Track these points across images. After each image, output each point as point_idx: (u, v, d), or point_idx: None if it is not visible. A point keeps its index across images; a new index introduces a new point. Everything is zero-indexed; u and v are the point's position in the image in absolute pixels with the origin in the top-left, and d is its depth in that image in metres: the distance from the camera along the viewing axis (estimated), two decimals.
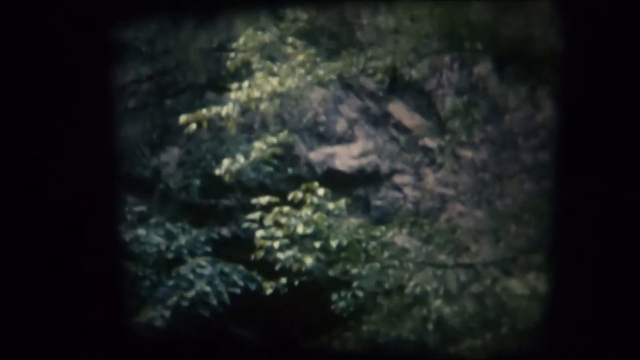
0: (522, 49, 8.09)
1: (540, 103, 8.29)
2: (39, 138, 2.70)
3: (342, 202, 10.24)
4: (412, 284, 9.64)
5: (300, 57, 9.79)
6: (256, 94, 10.04)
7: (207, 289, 11.47)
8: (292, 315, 11.07)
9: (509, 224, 9.02)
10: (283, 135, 10.60)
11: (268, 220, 10.02)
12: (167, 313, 11.08)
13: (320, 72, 9.62)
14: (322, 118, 11.56)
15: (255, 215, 10.16)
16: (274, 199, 10.16)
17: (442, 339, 9.18)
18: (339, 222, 10.36)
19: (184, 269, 11.47)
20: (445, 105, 10.57)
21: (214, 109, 10.29)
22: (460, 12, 8.17)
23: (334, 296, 10.11)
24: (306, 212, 10.11)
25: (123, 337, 2.92)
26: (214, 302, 11.43)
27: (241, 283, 11.52)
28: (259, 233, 10.05)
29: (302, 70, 9.78)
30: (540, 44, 7.92)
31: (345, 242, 10.11)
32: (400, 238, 10.12)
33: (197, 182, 12.10)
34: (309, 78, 9.76)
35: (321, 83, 9.81)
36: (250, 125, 11.26)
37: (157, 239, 11.77)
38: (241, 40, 10.12)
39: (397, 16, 8.80)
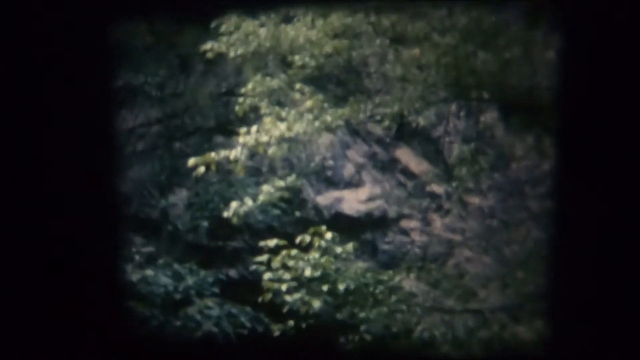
0: (528, 99, 8.15)
1: (546, 152, 8.34)
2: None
3: (350, 245, 10.26)
4: (419, 328, 9.63)
5: (309, 103, 9.87)
6: (264, 138, 10.09)
7: (215, 330, 11.47)
8: (300, 358, 11.04)
9: (517, 270, 9.02)
10: (291, 179, 10.65)
11: (276, 263, 10.04)
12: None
13: (328, 118, 9.69)
14: (330, 162, 11.63)
15: (263, 257, 10.18)
16: (282, 242, 10.18)
17: None
18: (346, 265, 10.38)
19: (191, 310, 11.48)
20: (453, 152, 10.62)
21: (223, 153, 10.34)
22: (467, 61, 8.25)
23: (342, 339, 10.09)
24: (314, 255, 10.13)
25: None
26: (222, 343, 11.42)
27: (249, 325, 11.51)
28: (267, 275, 10.06)
29: (310, 116, 9.85)
30: (545, 94, 7.97)
31: (352, 286, 10.11)
32: (408, 282, 10.12)
33: (205, 223, 12.14)
34: (316, 123, 9.83)
35: (329, 128, 9.88)
36: (259, 168, 11.33)
37: (164, 279, 11.79)
38: (250, 86, 10.21)
39: (405, 64, 8.89)
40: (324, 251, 10.15)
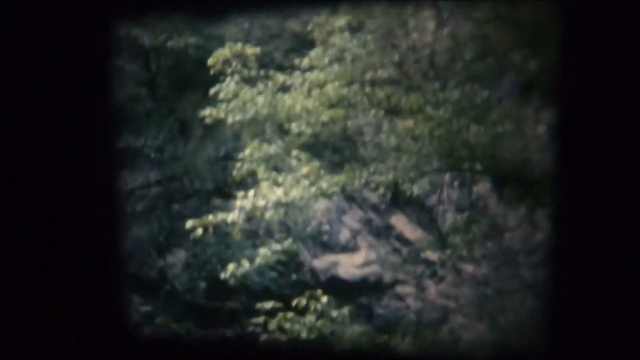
0: (520, 172, 8.28)
1: (539, 224, 8.45)
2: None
3: (346, 309, 10.30)
4: None
5: (305, 169, 10.01)
6: (261, 202, 10.22)
7: None
8: None
9: (511, 337, 9.05)
10: (288, 242, 10.73)
11: (272, 325, 10.08)
12: None
13: (324, 184, 9.82)
14: (326, 227, 11.73)
15: (260, 319, 10.23)
16: (278, 304, 10.23)
17: None
18: (342, 329, 10.41)
19: None
20: (446, 220, 10.73)
21: (220, 215, 10.46)
22: (460, 134, 8.40)
23: None
24: (310, 318, 10.18)
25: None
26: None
27: None
28: (263, 337, 10.11)
29: (306, 182, 9.99)
30: (537, 168, 8.11)
31: (348, 350, 10.13)
32: (403, 347, 10.14)
33: (203, 284, 12.21)
34: (313, 189, 9.96)
35: (325, 194, 10.01)
36: (256, 231, 11.43)
37: None
38: (247, 151, 10.36)
39: (399, 135, 9.04)
40: (320, 314, 10.20)
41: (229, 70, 10.21)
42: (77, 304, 2.78)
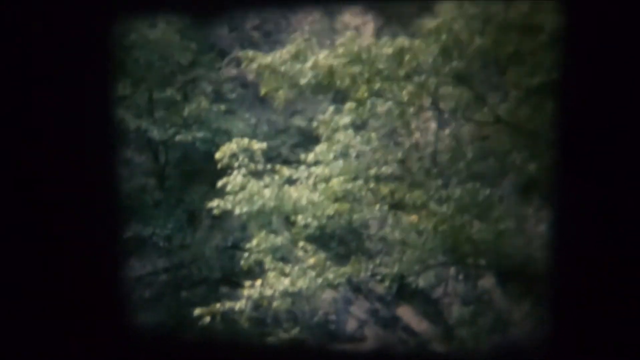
0: (523, 268, 8.39)
1: (542, 320, 8.46)
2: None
3: None
4: None
5: (311, 260, 10.13)
6: (268, 292, 10.32)
7: None
8: None
9: None
10: (295, 331, 10.80)
11: None
12: None
13: (331, 275, 9.93)
14: (333, 317, 11.79)
15: None
16: None
17: None
18: None
19: None
20: (452, 313, 10.79)
21: (228, 304, 10.54)
22: (463, 230, 8.53)
23: None
24: None
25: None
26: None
27: None
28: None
29: (313, 273, 10.10)
30: (540, 264, 8.20)
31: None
32: None
33: None
34: (319, 280, 10.07)
35: (331, 285, 10.10)
36: (263, 319, 11.48)
37: None
38: (254, 242, 10.50)
39: (404, 229, 9.18)
40: None
41: (236, 164, 10.43)
42: (78, 305, 2.80)
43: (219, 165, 10.51)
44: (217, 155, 10.52)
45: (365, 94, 8.68)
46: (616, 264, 2.21)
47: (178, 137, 11.68)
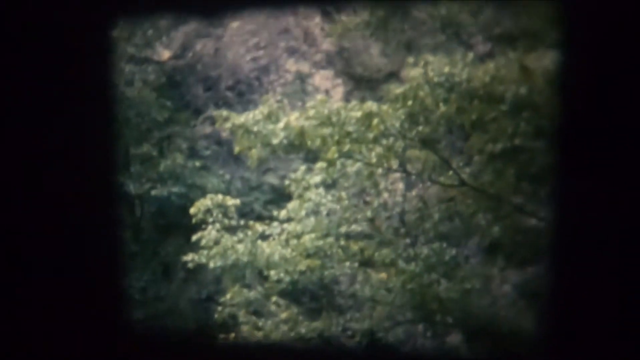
0: (489, 327, 8.57)
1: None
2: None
3: None
4: None
5: (284, 315, 10.28)
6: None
7: None
8: None
9: None
10: None
11: None
12: None
13: (303, 330, 10.09)
14: None
15: None
16: None
17: None
18: None
19: None
20: None
21: None
22: (430, 288, 8.73)
23: None
24: None
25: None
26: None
27: None
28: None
29: (285, 327, 10.25)
30: (505, 324, 8.41)
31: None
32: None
33: None
34: (292, 334, 10.22)
35: (303, 339, 10.23)
36: None
37: None
38: (228, 295, 10.64)
39: (373, 286, 9.37)
40: None
41: (210, 219, 10.61)
42: (76, 304, 2.85)
43: (193, 220, 10.68)
44: (192, 210, 10.69)
45: (335, 155, 8.91)
46: (616, 266, 2.26)
47: (154, 192, 11.85)
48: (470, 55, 8.21)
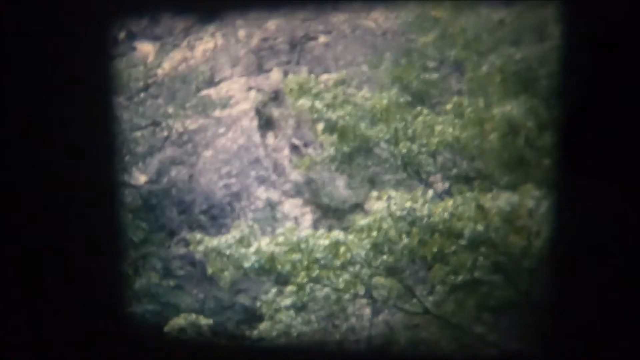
0: None
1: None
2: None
3: None
4: None
5: None
6: None
7: None
8: None
9: None
10: None
11: None
12: None
13: None
14: None
15: None
16: None
17: None
18: None
19: None
20: None
21: None
22: None
23: None
24: None
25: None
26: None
27: None
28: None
29: None
30: None
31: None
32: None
33: None
34: None
35: None
36: None
37: None
38: None
39: None
40: None
41: (184, 338, 10.76)
42: (77, 303, 2.89)
43: (166, 339, 10.79)
44: (166, 328, 10.86)
45: (305, 280, 9.20)
46: (616, 265, 2.32)
47: (129, 309, 11.98)
48: (430, 192, 8.64)
